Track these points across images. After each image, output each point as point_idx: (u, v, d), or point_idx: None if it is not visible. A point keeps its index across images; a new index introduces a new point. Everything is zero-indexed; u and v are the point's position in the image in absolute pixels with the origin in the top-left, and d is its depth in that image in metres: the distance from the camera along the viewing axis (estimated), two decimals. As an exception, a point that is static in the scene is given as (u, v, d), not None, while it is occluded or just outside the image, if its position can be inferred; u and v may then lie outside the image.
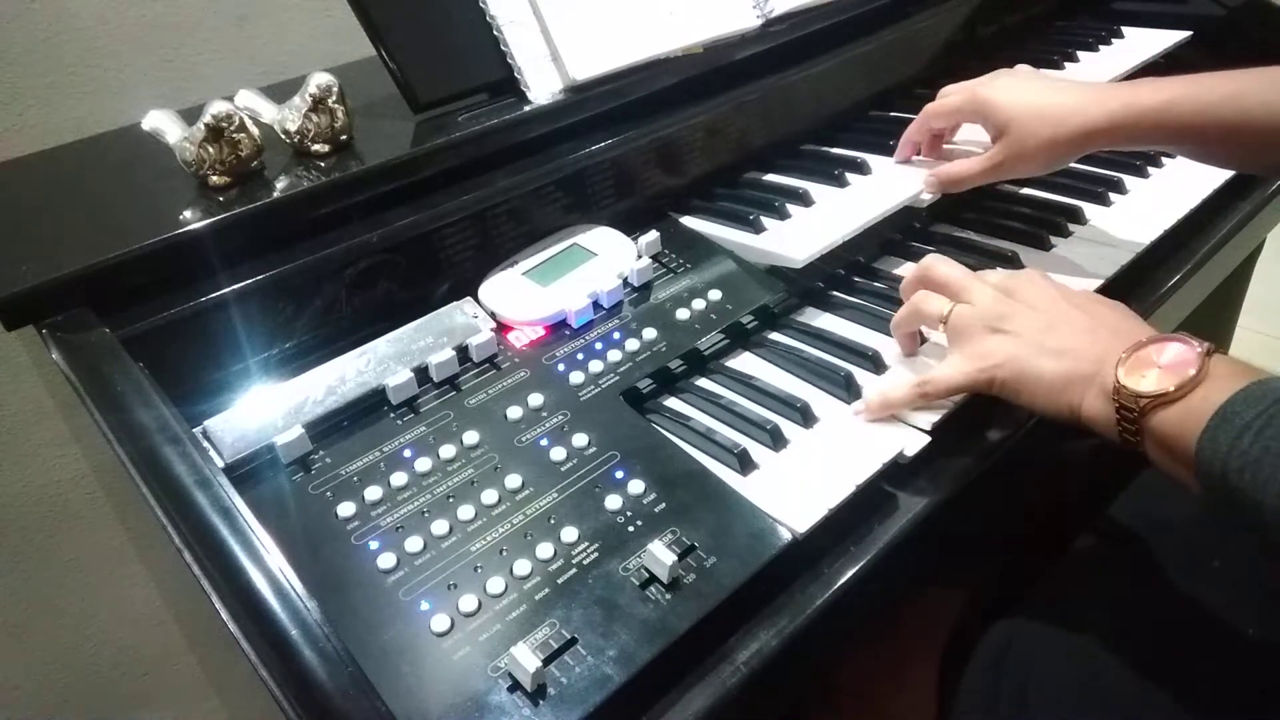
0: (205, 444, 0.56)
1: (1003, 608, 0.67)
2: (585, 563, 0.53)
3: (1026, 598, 0.67)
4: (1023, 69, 0.83)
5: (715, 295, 0.72)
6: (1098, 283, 0.77)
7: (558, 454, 0.59)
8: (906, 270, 0.82)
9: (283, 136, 0.69)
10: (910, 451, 0.61)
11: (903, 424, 0.63)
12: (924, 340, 0.70)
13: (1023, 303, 0.62)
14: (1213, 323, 1.37)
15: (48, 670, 1.03)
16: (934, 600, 0.76)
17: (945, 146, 0.87)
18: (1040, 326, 0.60)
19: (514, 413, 0.62)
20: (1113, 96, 0.73)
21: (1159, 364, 0.53)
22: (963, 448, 0.64)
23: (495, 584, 0.52)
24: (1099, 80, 1.01)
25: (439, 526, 0.55)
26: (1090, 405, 0.56)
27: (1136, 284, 0.81)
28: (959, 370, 0.62)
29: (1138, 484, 0.74)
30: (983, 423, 0.65)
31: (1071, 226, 0.86)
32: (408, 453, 0.59)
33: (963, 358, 0.62)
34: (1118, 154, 0.95)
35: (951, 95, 0.81)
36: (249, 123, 0.66)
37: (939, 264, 0.67)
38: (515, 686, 0.47)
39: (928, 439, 0.62)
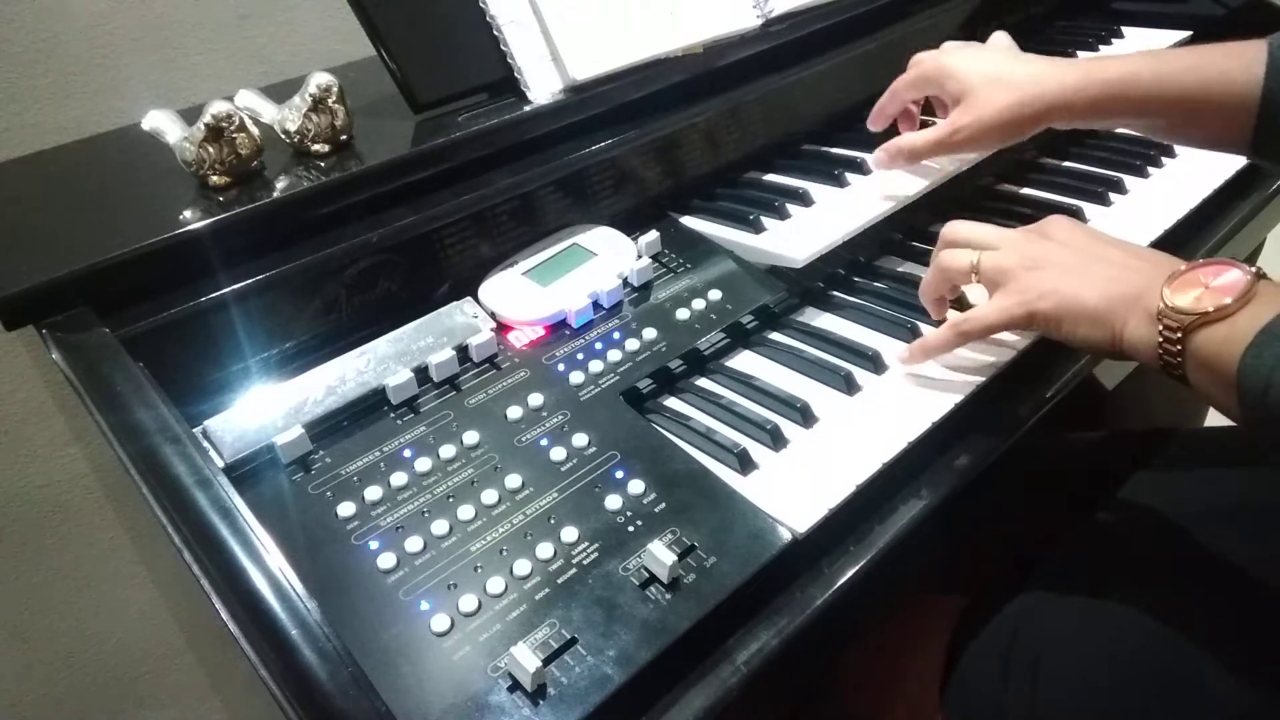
0: (205, 444, 0.56)
1: (1011, 593, 0.67)
2: (585, 563, 0.53)
3: (1036, 581, 0.67)
4: (998, 38, 0.83)
5: (715, 295, 0.72)
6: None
7: (558, 454, 0.59)
8: (906, 269, 0.82)
9: (283, 136, 0.70)
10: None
11: (903, 423, 0.63)
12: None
13: (1056, 241, 0.63)
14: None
15: (48, 670, 1.03)
16: (940, 589, 0.76)
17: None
18: (1077, 260, 0.61)
19: (514, 413, 0.62)
20: (1074, 67, 0.73)
21: (1207, 285, 0.54)
22: (965, 444, 0.64)
23: (495, 584, 0.52)
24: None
25: (439, 526, 0.55)
26: (1133, 330, 0.57)
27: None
28: (997, 307, 0.62)
29: (1141, 475, 0.74)
30: (986, 419, 0.65)
31: (1071, 226, 0.86)
32: (408, 453, 0.59)
33: (1001, 295, 0.63)
34: (1118, 154, 0.95)
35: (916, 65, 0.81)
36: (249, 123, 0.66)
37: (959, 225, 0.68)
38: (515, 686, 0.47)
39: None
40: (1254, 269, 0.53)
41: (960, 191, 0.84)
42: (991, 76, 0.74)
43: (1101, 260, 0.61)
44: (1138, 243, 0.81)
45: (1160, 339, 0.54)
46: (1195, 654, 0.58)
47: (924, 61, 0.81)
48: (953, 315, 0.70)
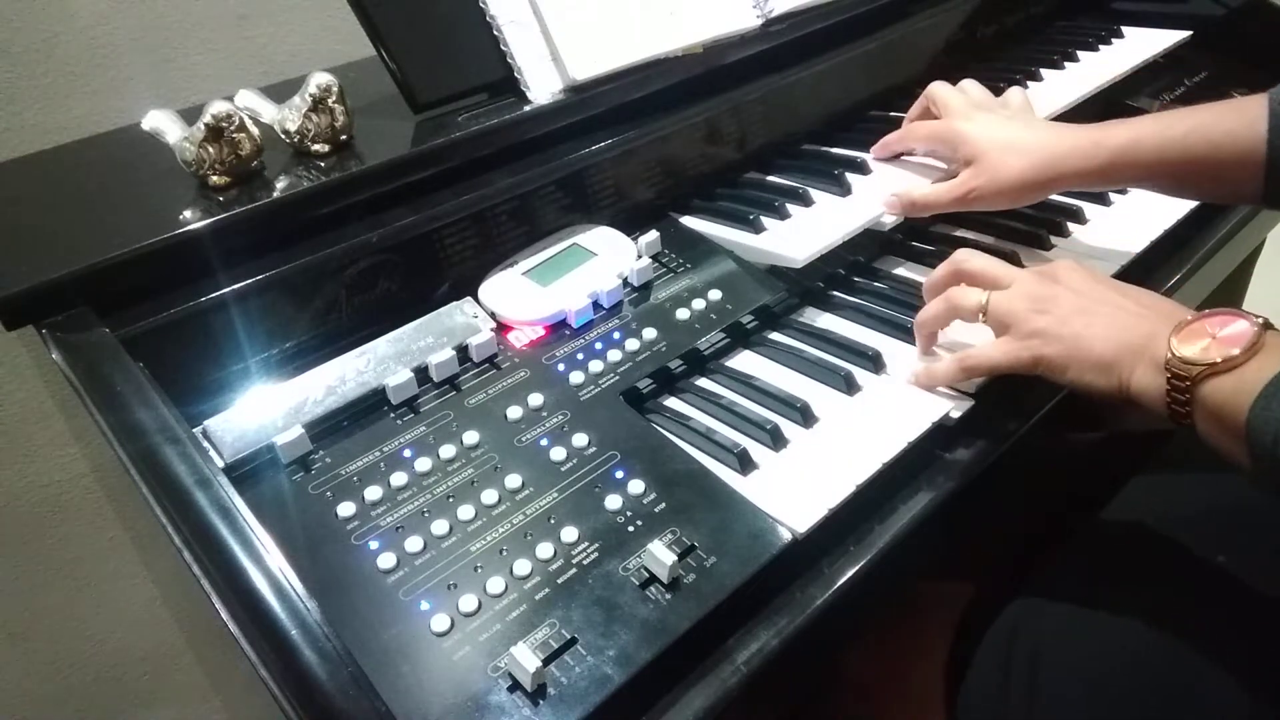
0: (205, 444, 0.56)
1: (1011, 592, 0.67)
2: (585, 563, 0.53)
3: (1036, 581, 0.67)
4: (1013, 95, 0.84)
5: (715, 295, 0.72)
6: (1098, 283, 0.77)
7: (558, 454, 0.59)
8: (906, 270, 0.82)
9: (283, 136, 0.70)
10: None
11: (903, 423, 0.63)
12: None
13: (1064, 286, 0.63)
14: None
15: (48, 670, 1.03)
16: (941, 590, 0.76)
17: (914, 160, 0.87)
18: (1084, 307, 0.61)
19: (514, 413, 0.62)
20: (1083, 135, 0.74)
21: (1214, 335, 0.54)
22: (965, 444, 0.64)
23: (495, 584, 0.52)
24: (1100, 78, 1.01)
25: (439, 526, 0.55)
26: (1140, 379, 0.57)
27: (1137, 284, 0.80)
28: (1003, 349, 0.63)
29: (1141, 476, 0.74)
30: (985, 420, 0.65)
31: (1071, 226, 0.86)
32: (408, 453, 0.59)
33: (1009, 338, 0.63)
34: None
35: (938, 111, 0.82)
36: (249, 123, 0.66)
37: (972, 257, 0.68)
38: (515, 686, 0.47)
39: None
40: (1260, 319, 0.54)
41: (925, 216, 0.84)
42: (1004, 143, 0.75)
43: (1108, 306, 0.61)
44: (1141, 241, 0.82)
45: (1168, 388, 0.55)
46: (1194, 658, 0.58)
47: (937, 99, 0.82)
48: (951, 336, 0.69)
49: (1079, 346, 0.60)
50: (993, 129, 0.77)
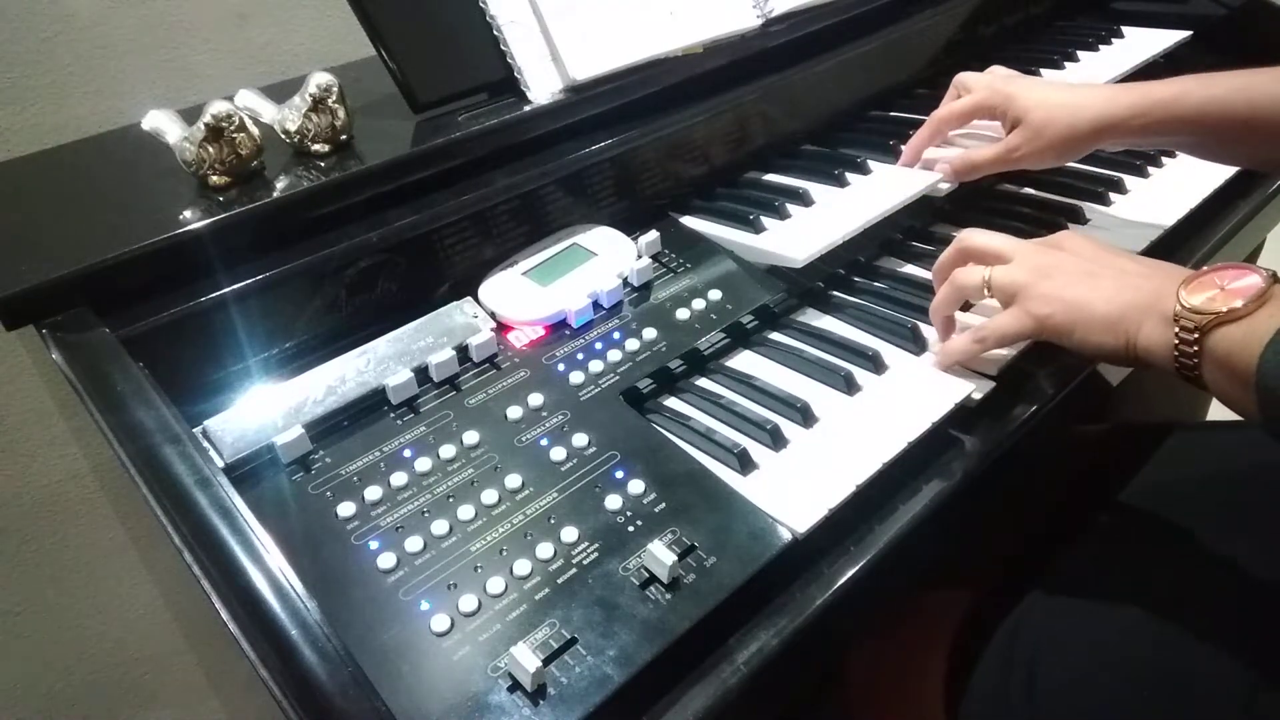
0: (205, 444, 0.56)
1: (1013, 591, 0.67)
2: (585, 563, 0.53)
3: (1038, 578, 0.68)
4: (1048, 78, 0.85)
5: (715, 295, 0.72)
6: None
7: (558, 454, 0.59)
8: (907, 270, 0.82)
9: (283, 136, 0.70)
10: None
11: (903, 423, 0.63)
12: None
13: (1067, 252, 0.64)
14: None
15: (48, 670, 1.03)
16: (944, 585, 0.76)
17: (954, 134, 0.87)
18: (1088, 270, 0.62)
19: (514, 413, 0.62)
20: (1126, 90, 0.76)
21: (1222, 287, 0.54)
22: (965, 444, 0.64)
23: (495, 584, 0.52)
24: (1100, 78, 1.01)
25: (439, 526, 0.55)
26: (1148, 334, 0.57)
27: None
28: (1012, 317, 0.64)
29: (1147, 469, 0.74)
30: (986, 420, 0.65)
31: (1072, 226, 0.86)
32: (408, 453, 0.59)
33: (1015, 306, 0.64)
34: (1118, 154, 0.95)
35: (970, 92, 0.83)
36: (249, 123, 0.66)
37: (975, 234, 0.68)
38: (515, 686, 0.47)
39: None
40: (1270, 272, 0.54)
41: (961, 191, 0.84)
42: (1048, 99, 0.77)
43: (1112, 269, 0.62)
44: (1138, 242, 0.82)
45: (1176, 340, 0.55)
46: (1195, 646, 0.59)
47: (979, 87, 0.83)
48: (965, 318, 0.70)
49: (1085, 307, 0.60)
50: (1038, 88, 0.79)
